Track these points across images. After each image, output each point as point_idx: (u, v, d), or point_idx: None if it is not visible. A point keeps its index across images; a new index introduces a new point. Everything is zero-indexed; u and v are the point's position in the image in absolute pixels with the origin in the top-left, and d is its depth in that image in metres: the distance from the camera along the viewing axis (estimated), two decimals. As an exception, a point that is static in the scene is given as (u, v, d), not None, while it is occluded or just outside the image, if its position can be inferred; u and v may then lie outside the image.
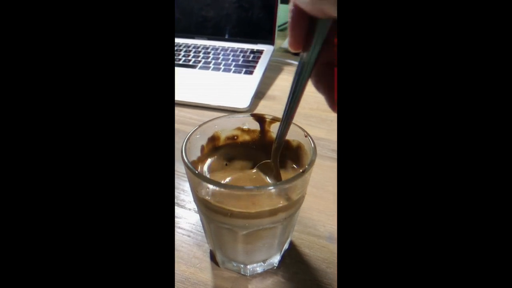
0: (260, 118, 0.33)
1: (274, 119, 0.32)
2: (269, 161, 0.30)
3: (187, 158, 0.27)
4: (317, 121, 0.55)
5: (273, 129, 0.33)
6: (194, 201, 0.29)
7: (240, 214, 0.25)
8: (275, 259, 0.32)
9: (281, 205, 0.25)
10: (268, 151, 0.32)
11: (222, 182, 0.28)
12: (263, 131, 0.33)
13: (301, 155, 0.30)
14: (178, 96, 0.59)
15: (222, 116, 0.32)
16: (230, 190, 0.23)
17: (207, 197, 0.25)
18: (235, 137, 0.33)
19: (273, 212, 0.25)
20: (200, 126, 0.31)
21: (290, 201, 0.26)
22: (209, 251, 0.34)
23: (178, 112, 0.57)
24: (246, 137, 0.33)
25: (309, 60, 0.22)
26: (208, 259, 0.34)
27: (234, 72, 0.65)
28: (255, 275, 0.32)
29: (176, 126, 0.54)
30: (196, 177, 0.25)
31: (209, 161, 0.31)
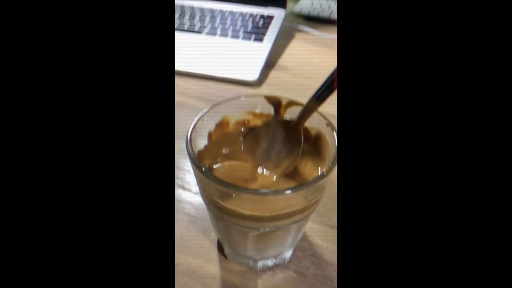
0: (274, 101, 0.29)
1: (291, 102, 0.29)
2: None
3: (192, 151, 0.23)
4: (331, 96, 0.51)
5: (289, 113, 0.29)
6: (201, 195, 0.26)
7: (252, 217, 0.23)
8: (287, 254, 0.30)
9: (299, 207, 0.23)
10: (284, 134, 0.29)
11: (232, 179, 0.26)
12: (278, 115, 0.29)
13: (321, 146, 0.27)
14: (182, 66, 0.55)
15: (231, 99, 0.28)
16: (242, 193, 0.21)
17: (215, 198, 0.23)
18: (246, 122, 0.30)
19: (289, 215, 0.23)
20: (207, 110, 0.27)
21: (309, 202, 0.23)
22: (216, 240, 0.33)
23: (182, 83, 0.53)
24: (259, 122, 0.30)
25: None
26: (215, 249, 0.32)
27: (243, 39, 0.60)
28: (265, 270, 0.30)
29: (180, 98, 0.50)
30: (203, 176, 0.22)
31: (218, 150, 0.28)
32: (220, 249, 0.32)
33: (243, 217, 0.23)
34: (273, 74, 0.56)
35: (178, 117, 0.47)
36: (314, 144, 0.28)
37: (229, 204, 0.23)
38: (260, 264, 0.29)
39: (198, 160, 0.23)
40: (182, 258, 0.31)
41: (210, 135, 0.28)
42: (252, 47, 0.58)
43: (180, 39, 0.60)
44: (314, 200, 0.23)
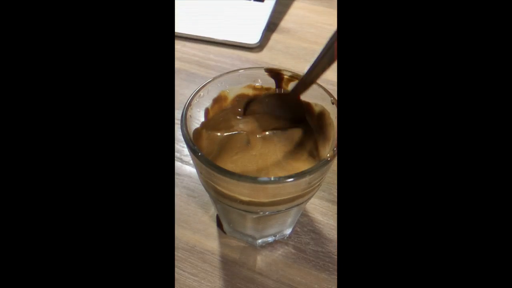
0: (275, 74, 0.27)
1: (294, 76, 0.27)
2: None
3: (187, 132, 0.22)
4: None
5: (292, 88, 0.27)
6: (198, 176, 0.25)
7: (251, 202, 0.22)
8: (287, 231, 0.30)
9: (300, 193, 0.22)
10: (283, 109, 0.28)
11: (231, 163, 0.24)
12: (280, 90, 0.28)
13: (324, 125, 0.26)
14: (178, 28, 0.51)
15: (229, 72, 0.26)
16: (240, 181, 0.20)
17: (212, 182, 0.22)
18: (245, 96, 0.28)
19: (290, 200, 0.22)
20: (203, 85, 0.25)
21: (311, 186, 0.22)
22: (215, 215, 0.32)
23: (180, 47, 0.50)
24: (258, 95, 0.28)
25: None
26: (214, 224, 0.32)
27: (243, -3, 0.55)
28: (264, 245, 0.30)
29: (177, 64, 0.48)
30: (199, 161, 0.21)
31: (215, 126, 0.27)
32: (219, 224, 0.32)
33: (242, 202, 0.22)
34: (275, 37, 0.53)
35: (176, 84, 0.45)
36: (318, 121, 0.26)
37: (226, 190, 0.22)
38: (259, 241, 0.29)
39: (193, 143, 0.22)
40: (181, 233, 0.31)
41: (207, 111, 0.27)
42: (253, 7, 0.54)
43: (176, -3, 0.56)
44: (316, 184, 0.23)
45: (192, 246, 0.30)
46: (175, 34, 0.51)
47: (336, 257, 0.30)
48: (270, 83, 0.28)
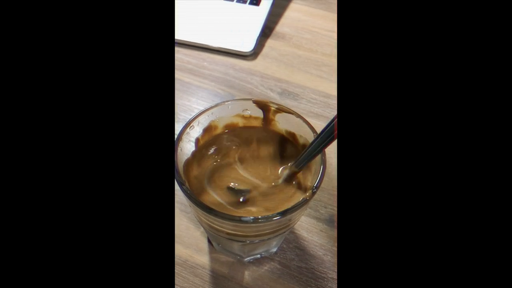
0: (263, 105, 0.28)
1: (280, 109, 0.28)
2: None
3: (176, 168, 0.24)
4: (330, 72, 0.49)
5: (278, 118, 0.29)
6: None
7: (237, 234, 0.24)
8: (273, 250, 0.32)
9: (282, 226, 0.23)
10: (272, 140, 0.29)
11: (220, 190, 0.26)
12: (267, 119, 0.29)
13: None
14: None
15: (218, 104, 0.27)
16: (224, 220, 0.21)
17: (199, 214, 0.23)
18: (235, 126, 0.29)
19: (273, 232, 0.24)
20: (194, 117, 0.27)
21: (292, 221, 0.24)
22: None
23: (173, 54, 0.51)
24: (248, 126, 0.29)
25: None
26: (205, 240, 0.34)
27: (238, 1, 0.55)
28: (252, 261, 0.32)
29: (172, 73, 0.48)
30: (187, 198, 0.22)
31: (205, 156, 0.28)
32: (210, 240, 0.33)
33: (227, 233, 0.24)
34: (269, 43, 0.53)
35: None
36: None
37: (213, 224, 0.23)
38: (247, 258, 0.31)
39: (181, 177, 0.23)
40: (175, 248, 0.33)
41: (197, 141, 0.28)
42: (248, 11, 0.54)
43: None
44: (297, 218, 0.24)
45: (184, 261, 0.32)
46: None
47: (318, 273, 0.32)
48: (259, 112, 0.29)
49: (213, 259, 0.33)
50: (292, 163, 0.26)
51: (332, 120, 0.21)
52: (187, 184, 0.23)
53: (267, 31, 0.55)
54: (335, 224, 0.35)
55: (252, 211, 0.25)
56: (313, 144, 0.23)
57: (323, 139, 0.22)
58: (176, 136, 0.25)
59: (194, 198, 0.22)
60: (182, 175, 0.24)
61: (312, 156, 0.24)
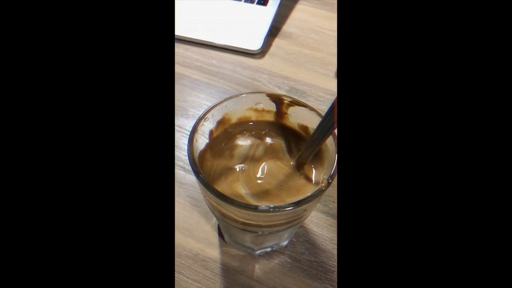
0: (276, 99, 0.29)
1: (293, 102, 0.28)
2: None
3: (193, 156, 0.24)
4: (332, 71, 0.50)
5: (291, 112, 0.29)
6: (202, 195, 0.27)
7: (251, 224, 0.24)
8: (284, 243, 0.32)
9: (296, 217, 0.24)
10: (285, 133, 0.29)
11: (234, 182, 0.26)
12: (280, 113, 0.29)
13: (320, 150, 0.27)
14: (181, 31, 0.52)
15: (232, 97, 0.28)
16: (240, 209, 0.22)
17: (215, 204, 0.24)
18: (248, 119, 0.30)
19: (286, 223, 0.24)
20: (208, 109, 0.27)
21: (306, 212, 0.24)
22: (217, 225, 0.34)
23: (182, 51, 0.51)
24: (260, 119, 0.30)
25: None
26: (216, 233, 0.34)
27: (246, 1, 0.56)
28: (262, 254, 0.33)
29: (179, 69, 0.49)
30: (204, 187, 0.22)
31: (218, 147, 0.28)
32: (221, 234, 0.34)
33: (242, 223, 0.24)
34: (276, 42, 0.54)
35: (178, 91, 0.46)
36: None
37: (228, 212, 0.24)
38: (258, 251, 0.32)
39: (197, 167, 0.24)
40: (186, 241, 0.33)
41: (211, 133, 0.28)
42: (256, 11, 0.55)
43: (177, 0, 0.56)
44: (311, 208, 0.25)
45: (195, 254, 0.33)
46: (178, 37, 0.52)
47: (328, 266, 0.32)
48: (271, 106, 0.29)
49: (223, 253, 0.33)
50: (298, 155, 0.27)
51: (332, 107, 0.21)
52: (202, 174, 0.24)
53: (274, 31, 0.55)
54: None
55: (266, 202, 0.25)
56: (314, 134, 0.24)
57: (323, 128, 0.23)
58: (191, 128, 0.26)
59: (210, 186, 0.22)
60: (198, 165, 0.25)
61: (315, 145, 0.24)
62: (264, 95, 0.28)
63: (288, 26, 0.57)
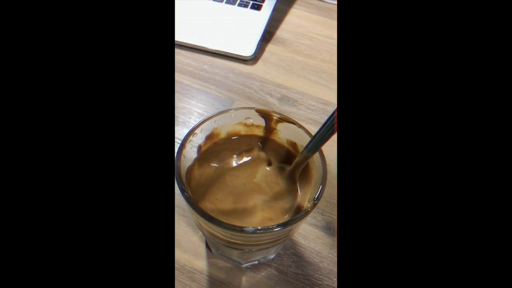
0: (266, 114, 0.28)
1: (282, 119, 0.28)
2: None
3: (179, 172, 0.24)
4: (329, 79, 0.50)
5: (280, 128, 0.29)
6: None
7: (237, 243, 0.24)
8: (271, 256, 0.32)
9: (281, 236, 0.24)
10: (274, 149, 0.29)
11: (222, 198, 0.26)
12: (269, 128, 0.29)
13: (307, 167, 0.27)
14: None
15: (221, 113, 0.28)
16: (226, 230, 0.22)
17: (200, 222, 0.24)
18: (237, 134, 0.30)
19: (272, 241, 0.24)
20: (198, 125, 0.27)
21: (294, 230, 0.24)
22: (204, 237, 0.34)
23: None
24: (249, 133, 0.30)
25: None
26: (203, 245, 0.34)
27: (239, 5, 0.55)
28: (249, 267, 0.33)
29: (172, 75, 0.48)
30: (189, 206, 0.22)
31: (206, 163, 0.28)
32: (208, 246, 0.34)
33: (228, 242, 0.24)
34: (269, 48, 0.54)
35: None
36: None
37: (213, 231, 0.24)
38: (245, 265, 0.32)
39: (184, 184, 0.24)
40: (172, 252, 0.33)
41: (199, 148, 0.28)
42: (249, 15, 0.55)
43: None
44: (296, 228, 0.25)
45: (181, 265, 0.33)
46: (171, 41, 0.52)
47: (314, 280, 0.32)
48: (261, 121, 0.29)
49: (211, 264, 0.33)
50: (290, 167, 0.27)
51: (331, 117, 0.22)
52: (189, 191, 0.23)
53: (267, 36, 0.55)
54: (332, 231, 0.36)
55: (252, 221, 0.25)
56: (308, 145, 0.24)
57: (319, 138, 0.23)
58: (179, 143, 0.26)
59: (196, 206, 0.22)
60: (185, 182, 0.24)
61: (308, 154, 0.24)
62: (253, 110, 0.28)
63: (282, 31, 0.56)
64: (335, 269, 0.33)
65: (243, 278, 0.32)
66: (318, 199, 0.23)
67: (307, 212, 0.23)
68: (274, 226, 0.22)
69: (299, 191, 0.27)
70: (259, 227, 0.22)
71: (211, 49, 0.51)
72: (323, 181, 0.24)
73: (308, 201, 0.25)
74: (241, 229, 0.22)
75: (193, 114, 0.44)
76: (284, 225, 0.22)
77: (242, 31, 0.53)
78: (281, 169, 0.28)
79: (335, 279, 0.33)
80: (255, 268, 0.33)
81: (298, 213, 0.23)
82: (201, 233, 0.35)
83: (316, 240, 0.35)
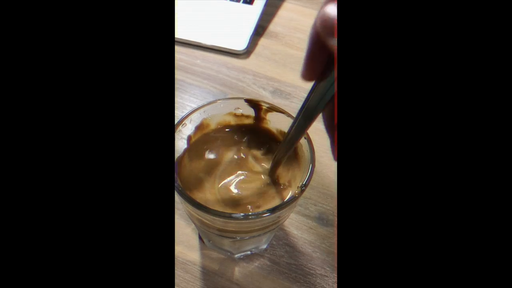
0: (255, 104, 0.29)
1: (271, 108, 0.28)
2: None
3: (170, 165, 0.24)
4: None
5: (269, 117, 0.29)
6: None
7: (227, 231, 0.24)
8: (264, 246, 0.33)
9: (271, 223, 0.24)
10: (264, 139, 0.30)
11: (212, 188, 0.26)
12: (259, 118, 0.29)
13: (296, 154, 0.27)
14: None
15: (210, 103, 0.28)
16: (216, 217, 0.22)
17: (192, 212, 0.24)
18: (227, 124, 0.30)
19: (263, 228, 0.24)
20: (187, 115, 0.27)
21: (282, 218, 0.24)
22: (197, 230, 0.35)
23: (167, 50, 0.51)
24: (239, 123, 0.30)
25: (323, 95, 0.17)
26: (196, 236, 0.34)
27: (232, 0, 0.55)
28: (242, 257, 0.33)
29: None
30: (179, 195, 0.22)
31: (196, 153, 0.28)
32: (201, 237, 0.34)
33: (218, 229, 0.24)
34: (262, 42, 0.54)
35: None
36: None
37: (204, 220, 0.24)
38: (237, 255, 0.32)
39: (177, 163, 0.24)
40: (165, 245, 0.33)
41: (189, 138, 0.28)
42: (242, 9, 0.55)
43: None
44: (286, 215, 0.25)
45: (175, 257, 0.33)
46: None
47: (307, 269, 0.33)
48: (251, 111, 0.29)
49: (204, 256, 0.33)
50: (273, 157, 0.26)
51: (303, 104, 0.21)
52: (179, 181, 0.24)
53: (260, 30, 0.55)
54: (325, 221, 0.36)
55: (242, 208, 0.25)
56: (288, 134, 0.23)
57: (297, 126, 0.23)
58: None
59: (185, 194, 0.22)
60: (175, 172, 0.25)
61: (289, 145, 0.24)
62: (243, 100, 0.28)
63: (274, 25, 0.56)
64: (328, 258, 0.33)
65: (236, 269, 0.32)
66: (305, 185, 0.23)
67: (294, 198, 0.23)
68: (263, 212, 0.22)
69: (288, 179, 0.27)
70: (248, 213, 0.22)
71: (204, 44, 0.51)
72: (311, 168, 0.24)
73: (297, 188, 0.25)
74: (229, 215, 0.22)
75: (186, 109, 0.44)
76: (272, 210, 0.22)
77: (234, 25, 0.53)
78: (270, 159, 0.28)
79: (328, 269, 0.33)
80: (248, 258, 0.33)
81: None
82: (194, 225, 0.35)
83: (308, 231, 0.35)
